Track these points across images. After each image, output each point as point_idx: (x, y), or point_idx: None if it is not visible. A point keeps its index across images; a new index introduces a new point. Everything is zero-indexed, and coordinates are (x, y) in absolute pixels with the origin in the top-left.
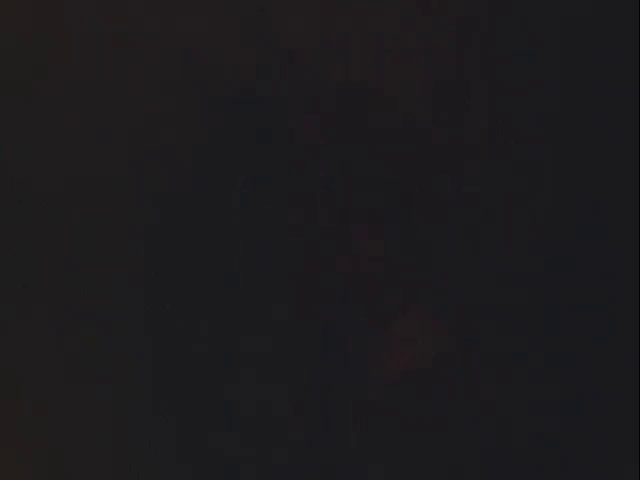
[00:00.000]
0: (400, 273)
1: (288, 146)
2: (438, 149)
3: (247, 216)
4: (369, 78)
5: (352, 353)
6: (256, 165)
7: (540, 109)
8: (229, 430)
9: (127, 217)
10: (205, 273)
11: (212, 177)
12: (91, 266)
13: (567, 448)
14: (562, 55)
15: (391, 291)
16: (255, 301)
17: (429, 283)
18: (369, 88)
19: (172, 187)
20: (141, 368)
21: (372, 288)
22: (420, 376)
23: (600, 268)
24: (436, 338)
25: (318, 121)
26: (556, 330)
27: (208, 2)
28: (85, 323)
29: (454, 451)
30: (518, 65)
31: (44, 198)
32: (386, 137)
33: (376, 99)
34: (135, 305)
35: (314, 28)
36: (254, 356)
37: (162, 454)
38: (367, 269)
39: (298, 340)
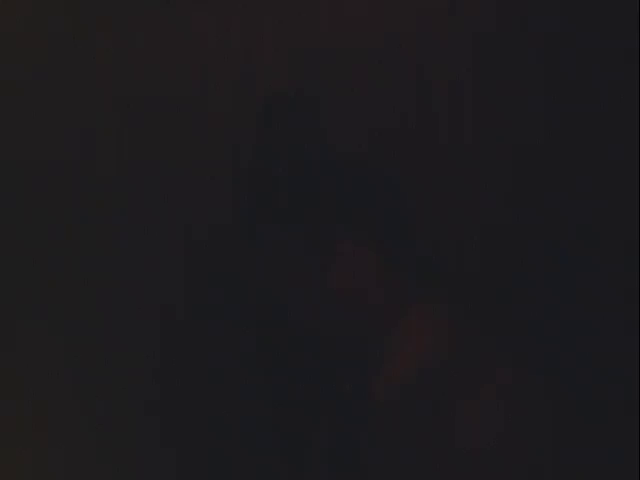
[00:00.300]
0: (398, 274)
1: (284, 158)
2: (437, 150)
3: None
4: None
5: (353, 357)
6: (255, 180)
7: (540, 109)
8: (230, 430)
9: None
10: (203, 284)
11: (215, 187)
12: (92, 270)
13: (567, 448)
14: (562, 54)
15: (391, 293)
16: (257, 304)
17: (429, 284)
18: (364, 94)
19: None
20: (141, 368)
21: (372, 292)
22: (420, 377)
23: (600, 268)
24: (436, 340)
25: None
26: (556, 330)
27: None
28: (85, 323)
29: (454, 452)
30: (518, 65)
31: (51, 202)
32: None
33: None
34: (136, 304)
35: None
36: (256, 359)
37: (162, 454)
38: (365, 269)
39: (299, 343)
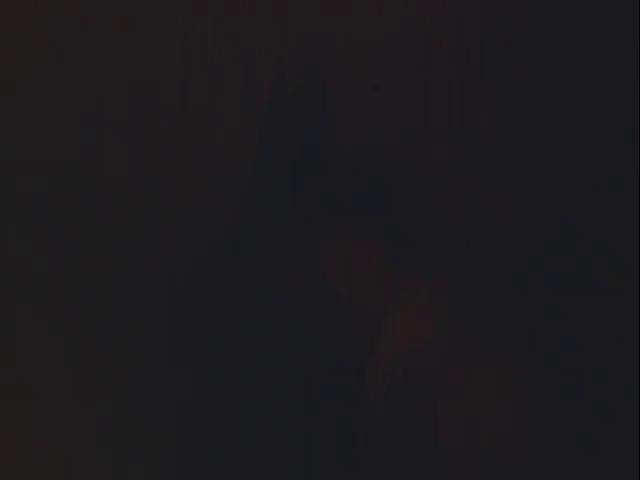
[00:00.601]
0: (398, 273)
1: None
2: (437, 150)
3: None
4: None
5: (353, 356)
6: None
7: (539, 110)
8: (230, 430)
9: (128, 217)
10: (203, 283)
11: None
12: (95, 269)
13: (566, 448)
14: (562, 54)
15: (390, 293)
16: (256, 303)
17: (425, 280)
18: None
19: (168, 182)
20: (141, 369)
21: (371, 291)
22: (420, 376)
23: (600, 267)
24: (436, 339)
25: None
26: (556, 329)
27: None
28: (85, 323)
29: (454, 452)
30: (517, 66)
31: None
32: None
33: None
34: (137, 305)
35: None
36: (252, 357)
37: (162, 454)
38: (360, 266)
39: (298, 343)
